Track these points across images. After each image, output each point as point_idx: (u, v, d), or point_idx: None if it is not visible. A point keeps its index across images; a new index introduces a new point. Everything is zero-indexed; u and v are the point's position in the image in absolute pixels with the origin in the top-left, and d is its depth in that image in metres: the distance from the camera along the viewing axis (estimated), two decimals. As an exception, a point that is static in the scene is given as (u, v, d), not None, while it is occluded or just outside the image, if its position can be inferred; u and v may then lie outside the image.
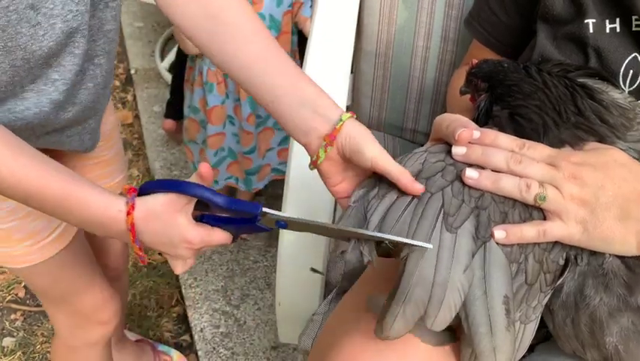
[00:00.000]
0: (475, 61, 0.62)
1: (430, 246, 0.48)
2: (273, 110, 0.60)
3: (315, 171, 0.61)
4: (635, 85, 0.57)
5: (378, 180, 0.56)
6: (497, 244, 0.49)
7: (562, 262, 0.52)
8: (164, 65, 2.02)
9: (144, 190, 0.55)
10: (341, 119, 0.57)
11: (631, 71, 0.57)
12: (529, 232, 0.50)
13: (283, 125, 0.60)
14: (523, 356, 0.62)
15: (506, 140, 0.52)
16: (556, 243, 0.51)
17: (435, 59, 0.93)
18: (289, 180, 0.82)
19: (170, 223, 0.53)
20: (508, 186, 0.50)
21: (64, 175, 0.53)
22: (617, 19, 0.57)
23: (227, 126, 1.33)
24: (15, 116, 0.61)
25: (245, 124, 1.30)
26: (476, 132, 0.53)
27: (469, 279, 0.47)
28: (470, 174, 0.51)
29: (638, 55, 0.57)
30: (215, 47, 0.61)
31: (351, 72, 0.96)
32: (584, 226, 0.50)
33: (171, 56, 2.02)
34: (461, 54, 0.90)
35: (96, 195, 0.53)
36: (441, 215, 0.50)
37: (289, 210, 0.82)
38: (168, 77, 1.98)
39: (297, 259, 0.82)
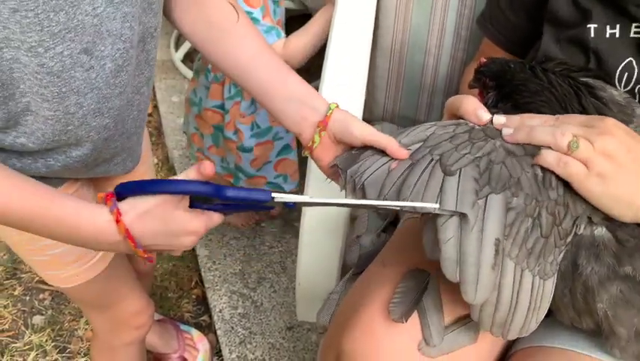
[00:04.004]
0: (483, 60, 0.67)
1: (436, 206, 0.52)
2: (266, 103, 0.67)
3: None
4: (630, 87, 0.62)
5: (358, 152, 0.62)
6: (498, 195, 0.53)
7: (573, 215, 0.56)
8: (178, 56, 2.06)
9: (121, 192, 0.53)
10: (330, 108, 0.64)
11: (626, 74, 0.62)
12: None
13: (276, 117, 0.67)
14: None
15: (540, 118, 0.56)
16: (565, 196, 0.55)
17: (447, 56, 0.98)
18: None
19: (169, 221, 0.53)
20: (543, 134, 0.54)
21: (50, 194, 0.52)
22: (617, 26, 0.61)
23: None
24: (72, 159, 0.63)
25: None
26: (501, 117, 0.58)
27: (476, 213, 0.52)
28: (506, 131, 0.55)
29: (633, 59, 0.61)
30: (212, 49, 0.68)
31: (368, 67, 1.01)
32: (603, 179, 0.53)
33: (185, 47, 2.07)
34: (472, 52, 0.94)
35: (83, 210, 0.52)
36: (438, 165, 0.55)
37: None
38: (183, 67, 2.03)
39: (317, 243, 0.87)
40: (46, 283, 1.42)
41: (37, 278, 1.44)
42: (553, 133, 0.53)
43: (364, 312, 0.61)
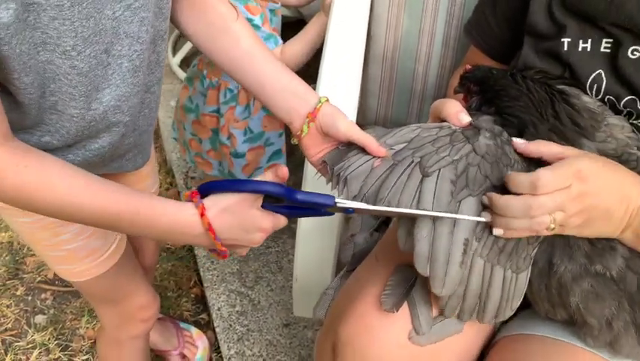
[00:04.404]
0: (468, 66, 0.72)
1: (486, 220, 0.57)
2: (260, 95, 0.72)
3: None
4: (600, 97, 0.67)
5: (345, 149, 0.66)
6: (473, 196, 0.58)
7: None
8: (175, 61, 2.09)
9: (204, 190, 0.59)
10: (320, 101, 0.69)
11: (595, 85, 0.67)
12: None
13: (270, 108, 0.72)
14: (510, 319, 0.73)
15: (525, 186, 0.56)
16: None
17: (436, 63, 1.02)
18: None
19: (244, 217, 0.59)
20: (521, 226, 0.56)
21: (137, 195, 0.59)
22: (589, 40, 0.66)
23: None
24: (91, 153, 0.69)
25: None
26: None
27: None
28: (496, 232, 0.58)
29: (602, 72, 0.66)
30: (211, 46, 0.74)
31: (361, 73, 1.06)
32: (579, 229, 0.58)
33: (183, 52, 2.11)
34: (460, 60, 0.99)
35: (169, 208, 0.58)
36: (417, 166, 0.59)
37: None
38: (180, 72, 2.07)
39: (314, 240, 0.91)
40: (47, 283, 1.46)
41: (39, 278, 1.47)
42: (530, 227, 0.56)
43: (359, 303, 0.66)
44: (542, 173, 0.55)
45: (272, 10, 1.19)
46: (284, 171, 0.61)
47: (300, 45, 1.15)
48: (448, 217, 0.57)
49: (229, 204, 0.59)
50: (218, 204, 0.59)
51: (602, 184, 0.56)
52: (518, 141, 0.61)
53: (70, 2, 0.54)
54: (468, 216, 0.57)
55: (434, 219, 0.57)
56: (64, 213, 0.58)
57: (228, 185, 0.59)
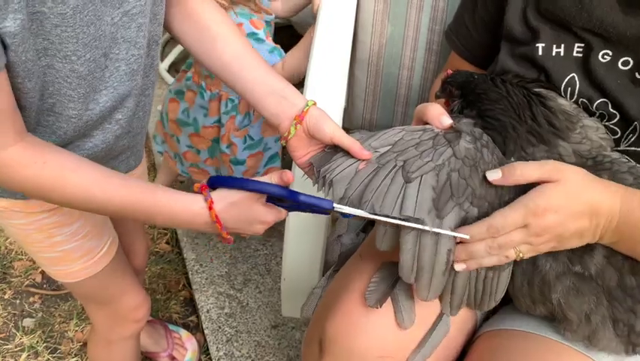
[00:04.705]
0: (449, 71, 0.74)
1: (467, 237, 0.59)
2: (249, 98, 0.74)
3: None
4: (574, 99, 0.69)
5: (331, 151, 0.68)
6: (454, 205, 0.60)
7: None
8: (163, 66, 2.11)
9: (213, 183, 0.64)
10: (307, 104, 0.71)
11: (569, 88, 0.69)
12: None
13: (259, 110, 0.74)
14: (491, 314, 0.75)
15: (483, 234, 0.59)
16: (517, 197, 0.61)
17: (420, 68, 1.05)
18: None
19: (248, 210, 0.64)
20: (489, 260, 0.60)
21: (151, 188, 0.64)
22: (562, 45, 0.69)
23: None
24: (84, 152, 0.71)
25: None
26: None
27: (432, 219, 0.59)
28: (458, 267, 0.61)
29: (575, 75, 0.69)
30: (202, 51, 0.76)
31: (347, 79, 1.08)
32: (554, 249, 0.61)
33: (171, 57, 2.12)
34: (443, 64, 1.02)
35: (180, 200, 0.64)
36: (400, 170, 0.61)
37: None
38: (168, 77, 2.08)
39: (301, 241, 0.93)
40: (36, 287, 1.46)
41: (27, 282, 1.47)
42: (499, 261, 0.61)
43: (344, 300, 0.68)
44: (495, 218, 0.59)
45: (267, 22, 1.21)
46: (289, 176, 0.65)
47: (300, 55, 1.17)
48: (435, 231, 0.59)
49: (236, 200, 0.64)
50: (226, 199, 0.64)
51: (566, 213, 0.58)
52: (493, 176, 0.61)
53: (73, 10, 0.56)
54: (452, 232, 0.60)
55: (419, 230, 0.59)
56: (82, 206, 0.63)
57: (236, 183, 0.64)
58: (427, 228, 0.59)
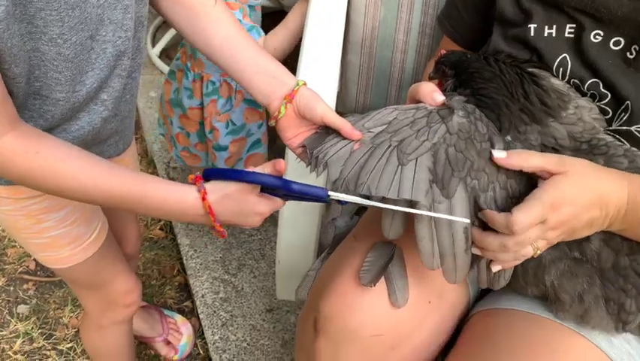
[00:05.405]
0: (443, 51, 0.74)
1: (467, 221, 0.59)
2: (240, 78, 0.74)
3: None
4: (565, 79, 0.70)
5: (323, 133, 0.68)
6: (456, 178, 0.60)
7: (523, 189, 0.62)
8: (155, 52, 2.09)
9: (207, 175, 0.63)
10: (298, 84, 0.71)
11: (561, 69, 0.69)
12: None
13: (249, 91, 0.74)
14: (486, 292, 0.76)
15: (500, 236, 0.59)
16: (519, 171, 0.61)
17: (413, 51, 1.05)
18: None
19: (243, 202, 0.63)
20: (508, 258, 0.60)
21: (142, 178, 0.63)
22: (554, 26, 0.69)
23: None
24: (71, 135, 0.70)
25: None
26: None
27: (429, 201, 0.59)
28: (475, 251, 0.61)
29: (567, 55, 0.69)
30: (191, 31, 0.75)
31: (340, 61, 1.08)
32: (564, 240, 0.61)
33: (162, 43, 2.10)
34: (436, 47, 1.02)
35: (173, 190, 0.62)
36: (395, 151, 0.60)
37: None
38: (160, 63, 2.06)
39: (296, 223, 0.94)
40: (29, 274, 1.46)
41: (20, 269, 1.47)
42: (515, 258, 0.60)
43: (338, 279, 0.68)
44: (517, 216, 0.57)
45: (251, 7, 1.20)
46: (282, 165, 0.64)
47: (282, 35, 1.16)
48: (438, 217, 0.59)
49: (230, 192, 0.62)
50: (219, 190, 0.62)
51: (579, 204, 0.58)
52: (499, 155, 0.61)
53: None
54: (455, 217, 0.59)
55: (432, 219, 0.59)
56: (74, 195, 0.62)
57: (230, 174, 0.63)
58: (424, 213, 0.58)
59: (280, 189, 0.63)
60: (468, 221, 0.59)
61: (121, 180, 0.61)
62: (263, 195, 0.64)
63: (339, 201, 0.62)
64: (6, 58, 0.55)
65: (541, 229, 0.58)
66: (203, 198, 0.62)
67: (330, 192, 0.61)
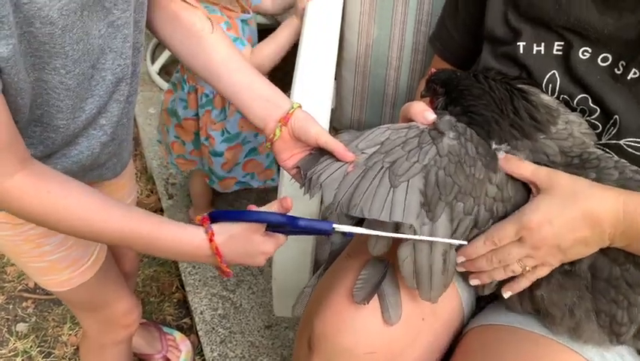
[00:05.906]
0: (433, 70, 0.75)
1: (464, 243, 0.63)
2: (235, 101, 0.75)
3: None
4: (555, 95, 0.71)
5: (317, 154, 0.69)
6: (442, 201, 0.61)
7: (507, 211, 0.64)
8: (154, 69, 2.11)
9: (215, 216, 0.65)
10: (292, 107, 0.72)
11: (550, 85, 0.71)
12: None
13: (245, 114, 0.75)
14: (481, 308, 0.76)
15: (481, 248, 0.63)
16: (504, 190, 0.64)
17: (407, 69, 1.06)
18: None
19: (249, 243, 0.65)
20: (499, 275, 0.64)
21: (152, 219, 0.64)
22: (542, 44, 0.70)
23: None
24: (70, 160, 0.71)
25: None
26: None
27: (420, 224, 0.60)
28: (473, 282, 0.66)
29: (556, 72, 0.70)
30: (187, 54, 0.76)
31: (335, 79, 1.09)
32: (564, 260, 0.63)
33: (161, 60, 2.12)
34: (429, 64, 1.03)
35: (181, 233, 0.64)
36: (387, 172, 0.62)
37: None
38: (159, 80, 2.08)
39: (291, 241, 0.94)
40: (29, 292, 1.46)
41: (20, 287, 1.47)
42: (505, 274, 0.64)
43: (332, 297, 0.69)
44: (490, 230, 0.63)
45: (244, 21, 1.22)
46: (288, 202, 0.65)
47: (271, 48, 1.19)
48: (434, 240, 0.61)
49: (236, 232, 0.64)
50: (226, 232, 0.64)
51: (558, 224, 0.60)
52: (500, 155, 0.65)
53: (62, 30, 0.56)
54: (447, 239, 0.61)
55: (414, 243, 0.61)
56: (86, 235, 0.63)
57: (237, 215, 0.64)
58: (423, 238, 0.60)
59: (287, 226, 0.63)
60: (465, 243, 0.62)
61: (133, 222, 0.62)
62: (267, 234, 0.65)
63: (344, 233, 0.63)
64: (12, 92, 0.56)
65: (520, 247, 0.61)
66: (211, 240, 0.63)
67: (335, 225, 0.61)
